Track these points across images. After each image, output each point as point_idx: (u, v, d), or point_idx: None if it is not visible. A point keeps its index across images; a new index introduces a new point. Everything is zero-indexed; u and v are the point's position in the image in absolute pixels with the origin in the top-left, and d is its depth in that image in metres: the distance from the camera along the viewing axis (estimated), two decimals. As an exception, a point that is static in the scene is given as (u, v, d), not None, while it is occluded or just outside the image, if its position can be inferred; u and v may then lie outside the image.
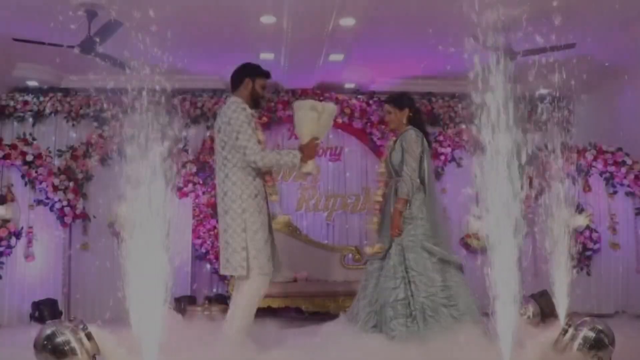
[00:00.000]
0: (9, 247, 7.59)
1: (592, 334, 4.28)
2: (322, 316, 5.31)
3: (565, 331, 4.41)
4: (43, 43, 7.12)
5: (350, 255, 8.21)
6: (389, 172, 5.37)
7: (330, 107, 5.02)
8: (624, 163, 8.23)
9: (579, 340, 4.28)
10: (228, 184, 4.75)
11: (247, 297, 4.68)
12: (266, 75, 5.04)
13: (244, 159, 4.70)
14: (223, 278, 8.69)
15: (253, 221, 4.70)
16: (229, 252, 4.68)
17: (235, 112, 4.72)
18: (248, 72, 5.01)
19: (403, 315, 4.91)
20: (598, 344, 4.27)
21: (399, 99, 5.42)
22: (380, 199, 5.38)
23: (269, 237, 4.82)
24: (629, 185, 8.26)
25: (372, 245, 5.33)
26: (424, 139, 5.28)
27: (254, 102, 4.97)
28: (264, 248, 4.71)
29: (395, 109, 5.34)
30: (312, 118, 4.89)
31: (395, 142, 5.33)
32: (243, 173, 4.73)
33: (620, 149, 8.32)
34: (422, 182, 5.18)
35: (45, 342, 3.97)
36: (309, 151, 4.85)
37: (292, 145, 9.47)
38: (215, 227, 8.74)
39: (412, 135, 5.20)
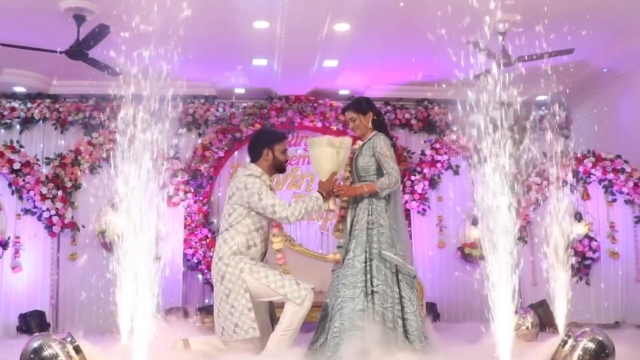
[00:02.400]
0: (-5, 257, 7.44)
1: (592, 345, 4.22)
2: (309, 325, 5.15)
3: (564, 342, 4.34)
4: (31, 48, 7.00)
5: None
6: (352, 176, 5.22)
7: (347, 141, 5.04)
8: (623, 170, 8.12)
9: (578, 352, 4.21)
10: (224, 248, 4.75)
11: (292, 321, 4.66)
12: (283, 138, 5.06)
13: (272, 217, 4.78)
14: (215, 289, 8.54)
15: (257, 270, 4.69)
16: (236, 316, 4.64)
17: (250, 177, 4.79)
18: (265, 143, 4.98)
19: (360, 328, 4.71)
20: (598, 355, 4.19)
21: (360, 104, 5.22)
22: (345, 204, 5.20)
23: (280, 267, 4.86)
24: (628, 193, 8.15)
25: (334, 253, 5.18)
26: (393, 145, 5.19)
27: (278, 169, 5.03)
28: (285, 279, 4.70)
29: (359, 115, 5.16)
30: (331, 154, 4.91)
31: (362, 146, 5.16)
32: (243, 239, 4.76)
33: (619, 156, 8.21)
34: None
35: (32, 356, 3.87)
36: (330, 188, 4.94)
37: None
38: (207, 237, 8.61)
39: (385, 140, 5.04)
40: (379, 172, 5.01)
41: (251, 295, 4.65)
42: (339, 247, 5.07)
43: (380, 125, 5.23)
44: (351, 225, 5.05)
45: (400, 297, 4.86)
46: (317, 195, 4.88)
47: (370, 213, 4.97)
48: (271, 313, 5.02)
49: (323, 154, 4.92)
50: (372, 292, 4.80)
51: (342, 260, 5.00)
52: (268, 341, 4.68)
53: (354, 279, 4.85)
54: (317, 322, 5.06)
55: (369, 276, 4.84)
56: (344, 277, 4.91)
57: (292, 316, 4.62)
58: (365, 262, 4.87)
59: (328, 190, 4.92)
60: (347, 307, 4.78)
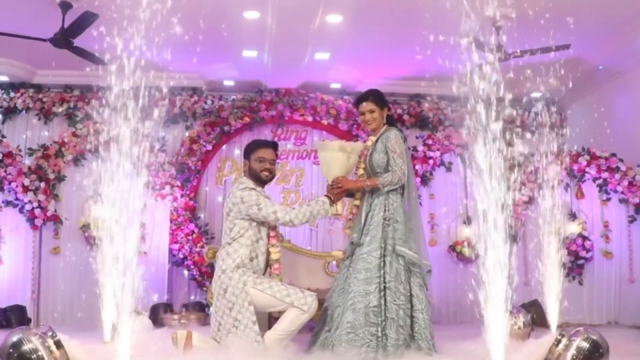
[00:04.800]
0: (-25, 250, 7.31)
1: (586, 344, 4.19)
2: (307, 323, 5.10)
3: (558, 341, 4.33)
4: (14, 35, 6.86)
5: (334, 262, 7.94)
6: (367, 173, 5.12)
7: (358, 147, 5.04)
8: (617, 169, 8.05)
9: (572, 351, 4.19)
10: (228, 261, 4.75)
11: (292, 323, 4.67)
12: (258, 146, 5.03)
13: (276, 224, 4.88)
14: (201, 285, 8.42)
15: (260, 282, 4.70)
16: (240, 329, 4.64)
17: (245, 190, 4.82)
18: (245, 154, 5.08)
19: (375, 324, 4.67)
20: (592, 355, 4.16)
21: (381, 97, 5.12)
22: (358, 202, 5.12)
23: (276, 277, 4.91)
24: (622, 192, 8.07)
25: (339, 250, 5.19)
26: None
27: (256, 179, 4.98)
28: (289, 288, 4.72)
29: (378, 108, 5.06)
30: (342, 159, 4.92)
31: (375, 142, 5.05)
32: (247, 251, 4.79)
33: (614, 155, 8.14)
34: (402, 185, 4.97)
35: (11, 350, 3.79)
36: (339, 192, 4.97)
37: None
38: (193, 232, 8.46)
39: (397, 135, 4.97)
40: None
41: (255, 307, 4.65)
42: (352, 243, 4.99)
43: (390, 121, 5.17)
44: (365, 220, 4.96)
45: (410, 294, 4.81)
46: (324, 200, 4.89)
47: (386, 209, 4.89)
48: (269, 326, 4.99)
49: (334, 158, 4.91)
50: (385, 288, 4.74)
51: (352, 254, 4.94)
52: (264, 337, 4.64)
53: (368, 274, 4.78)
54: (320, 316, 5.01)
55: (382, 272, 4.78)
56: (356, 272, 4.83)
57: (294, 318, 4.63)
58: (380, 258, 4.80)
59: (337, 196, 4.93)
60: (360, 303, 4.71)
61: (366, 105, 5.05)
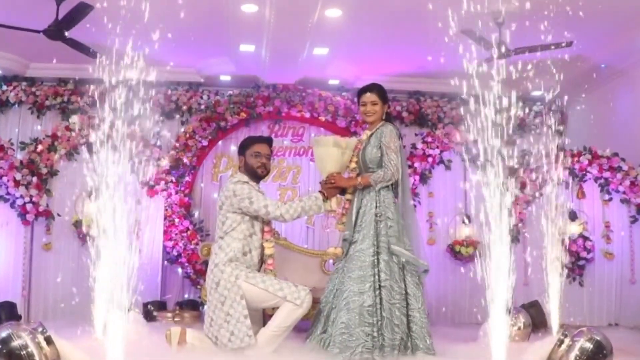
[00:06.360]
0: (-35, 245, 7.22)
1: (589, 345, 4.14)
2: (301, 323, 5.02)
3: (561, 342, 4.29)
4: (7, 27, 6.78)
5: (331, 260, 7.84)
6: (359, 167, 5.09)
7: (353, 142, 5.06)
8: (619, 169, 8.00)
9: (575, 352, 4.15)
10: (221, 255, 4.76)
11: (287, 319, 4.64)
12: (253, 142, 5.05)
13: (267, 218, 4.87)
14: (195, 283, 8.33)
15: (253, 276, 4.69)
16: (232, 324, 4.61)
17: (238, 184, 4.83)
18: (239, 151, 5.11)
19: (370, 324, 4.61)
20: (596, 356, 4.11)
21: (385, 92, 5.14)
22: (350, 197, 5.08)
23: (270, 272, 4.89)
24: (624, 192, 8.01)
25: (334, 247, 5.09)
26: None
27: (252, 174, 4.98)
28: (281, 282, 4.70)
29: (381, 101, 5.05)
30: (336, 155, 4.92)
31: (370, 136, 5.03)
32: (239, 245, 4.79)
33: (616, 154, 8.09)
34: (395, 181, 4.94)
35: (0, 346, 3.69)
36: (332, 188, 4.94)
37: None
38: (187, 229, 8.34)
39: (392, 131, 4.95)
40: None
41: (247, 302, 4.60)
42: (344, 240, 4.94)
43: (388, 118, 5.15)
44: (356, 217, 4.91)
45: (406, 293, 4.75)
46: (317, 195, 4.86)
47: (377, 205, 4.84)
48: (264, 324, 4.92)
49: (328, 154, 4.89)
50: (380, 286, 4.68)
51: (346, 253, 4.88)
52: (258, 334, 4.58)
53: (362, 272, 4.71)
54: (314, 316, 4.97)
55: (376, 270, 4.72)
56: (350, 271, 4.77)
57: (288, 314, 4.58)
58: (374, 256, 4.74)
59: (330, 191, 4.88)
60: (355, 302, 4.64)
61: (370, 96, 5.03)
